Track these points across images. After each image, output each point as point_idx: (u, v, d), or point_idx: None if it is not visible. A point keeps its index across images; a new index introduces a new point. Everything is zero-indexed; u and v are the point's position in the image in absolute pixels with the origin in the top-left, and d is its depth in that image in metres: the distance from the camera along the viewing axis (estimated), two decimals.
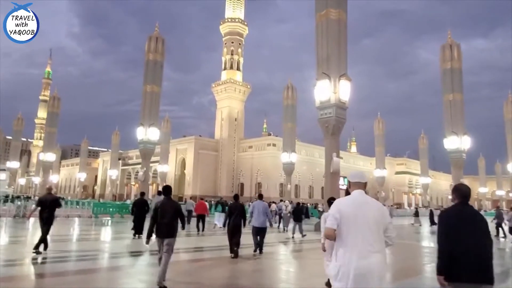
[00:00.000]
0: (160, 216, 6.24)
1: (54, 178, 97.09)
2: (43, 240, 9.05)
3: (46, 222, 9.12)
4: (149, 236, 6.41)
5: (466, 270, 3.06)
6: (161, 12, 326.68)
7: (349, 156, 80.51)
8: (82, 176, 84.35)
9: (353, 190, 3.23)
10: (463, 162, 27.75)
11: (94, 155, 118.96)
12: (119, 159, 79.80)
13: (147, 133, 28.91)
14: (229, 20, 67.92)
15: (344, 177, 20.10)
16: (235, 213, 9.63)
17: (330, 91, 16.68)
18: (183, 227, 7.01)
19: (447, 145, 28.21)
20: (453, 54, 28.89)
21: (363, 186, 3.25)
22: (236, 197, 10.27)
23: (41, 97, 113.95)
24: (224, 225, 10.11)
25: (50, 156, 46.41)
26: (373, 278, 2.92)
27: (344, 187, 20.16)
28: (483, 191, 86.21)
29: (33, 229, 15.73)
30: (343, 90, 16.84)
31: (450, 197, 3.80)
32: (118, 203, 30.46)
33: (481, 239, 3.17)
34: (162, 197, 14.44)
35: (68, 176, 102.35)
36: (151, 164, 70.76)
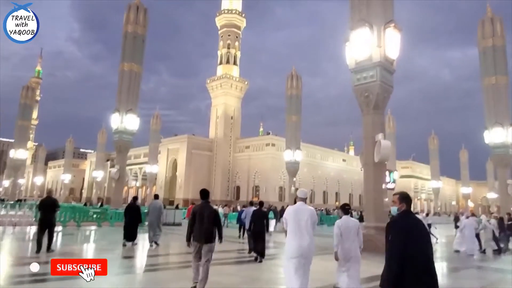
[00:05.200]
0: (198, 221, 6.12)
1: (38, 180, 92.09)
2: (47, 242, 9.63)
3: (44, 225, 9.70)
4: (188, 240, 6.22)
5: (425, 279, 3.03)
6: (160, 19, 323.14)
7: (352, 158, 75.16)
8: (66, 178, 79.05)
9: (298, 201, 5.50)
10: (510, 159, 22.74)
11: (86, 157, 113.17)
12: (107, 160, 74.07)
13: (123, 121, 23.55)
14: (226, 11, 63.08)
15: (390, 172, 15.45)
16: (257, 219, 10.15)
17: (372, 44, 11.45)
18: (220, 240, 6.27)
19: (489, 138, 23.20)
20: (495, 28, 24.00)
21: (304, 200, 5.54)
22: (260, 203, 11.10)
23: None
24: (249, 230, 10.70)
25: (22, 153, 40.97)
26: (308, 253, 5.20)
27: (392, 185, 15.87)
28: (492, 197, 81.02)
29: None
30: (391, 44, 11.56)
31: (394, 206, 3.40)
32: (77, 206, 24.83)
33: (430, 246, 3.20)
34: (157, 201, 13.15)
35: (54, 178, 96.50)
36: (140, 166, 66.27)
